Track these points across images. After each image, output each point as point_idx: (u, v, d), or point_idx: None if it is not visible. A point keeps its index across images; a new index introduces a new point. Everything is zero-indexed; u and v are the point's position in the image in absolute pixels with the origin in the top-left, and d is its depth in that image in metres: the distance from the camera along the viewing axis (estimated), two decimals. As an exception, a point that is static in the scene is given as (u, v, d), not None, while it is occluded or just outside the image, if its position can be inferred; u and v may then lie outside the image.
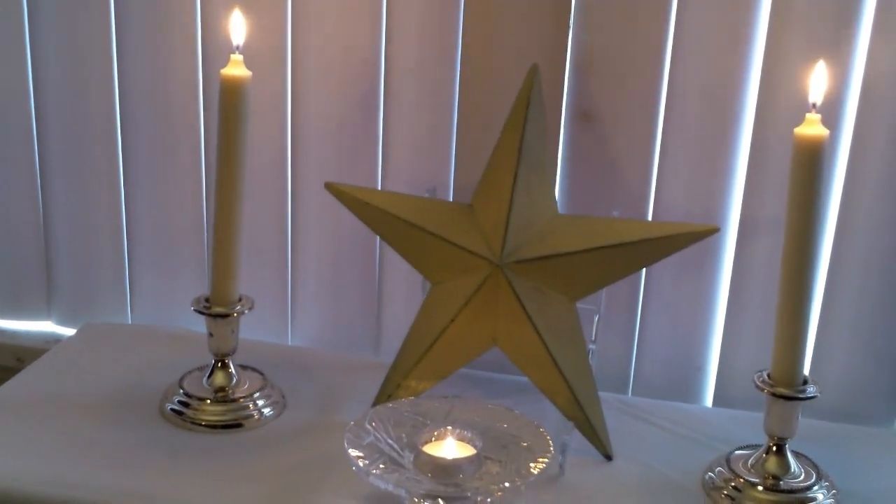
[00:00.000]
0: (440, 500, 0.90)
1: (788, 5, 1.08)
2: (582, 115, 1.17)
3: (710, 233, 1.03)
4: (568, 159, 1.19)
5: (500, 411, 1.02)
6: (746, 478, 0.99)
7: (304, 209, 1.28)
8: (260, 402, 1.11)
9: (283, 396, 1.14)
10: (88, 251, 1.35)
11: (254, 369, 1.16)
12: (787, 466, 1.00)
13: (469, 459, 0.95)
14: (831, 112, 1.08)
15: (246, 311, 1.10)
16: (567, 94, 1.17)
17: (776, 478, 0.99)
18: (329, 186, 1.12)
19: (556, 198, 1.18)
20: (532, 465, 0.94)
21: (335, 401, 1.15)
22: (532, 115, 1.07)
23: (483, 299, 1.05)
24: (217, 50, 1.22)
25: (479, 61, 1.18)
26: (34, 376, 1.18)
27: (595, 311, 1.13)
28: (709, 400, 1.23)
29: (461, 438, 0.98)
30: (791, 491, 0.98)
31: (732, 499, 0.98)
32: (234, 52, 1.05)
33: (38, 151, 1.33)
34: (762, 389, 0.98)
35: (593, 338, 1.12)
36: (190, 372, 1.15)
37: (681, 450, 1.08)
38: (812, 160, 0.93)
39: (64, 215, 1.34)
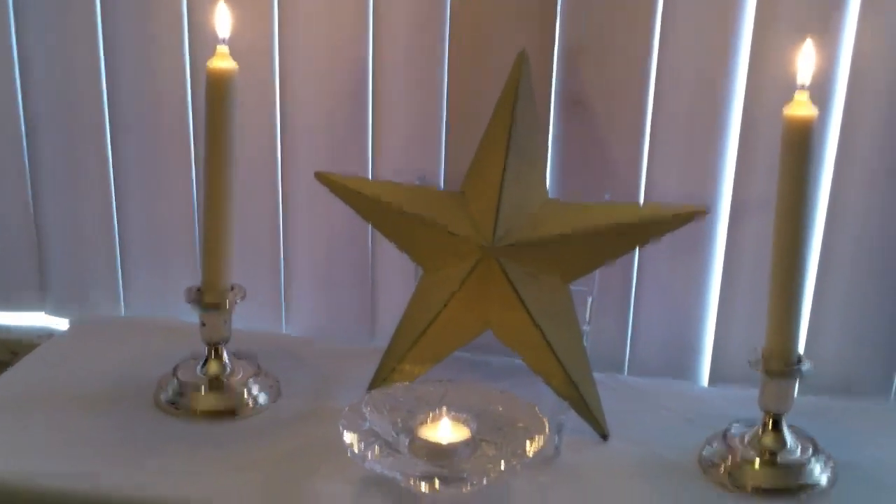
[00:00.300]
0: (436, 483, 0.90)
1: (776, -15, 1.08)
2: (571, 101, 1.17)
3: (699, 214, 1.04)
4: (558, 145, 1.19)
5: (495, 394, 1.02)
6: (743, 454, 1.00)
7: (295, 199, 1.27)
8: (254, 390, 1.11)
9: (278, 384, 1.14)
10: (80, 243, 1.35)
11: (248, 358, 1.16)
12: (783, 441, 1.00)
13: (464, 442, 0.95)
14: (821, 92, 1.08)
15: (238, 301, 1.09)
16: (556, 80, 1.17)
17: (773, 453, 0.99)
18: (319, 176, 1.12)
19: (547, 183, 1.18)
20: (527, 446, 0.94)
21: (330, 387, 1.15)
22: (521, 101, 1.07)
23: (475, 284, 1.05)
24: (204, 42, 1.22)
25: (468, 48, 1.18)
26: (27, 370, 1.18)
27: (588, 293, 1.13)
28: (704, 378, 1.23)
29: (456, 421, 0.98)
30: (788, 465, 0.99)
31: (729, 475, 0.98)
32: (220, 45, 1.05)
33: (27, 144, 1.32)
34: (757, 367, 0.98)
35: (587, 319, 1.12)
36: (184, 361, 1.14)
37: (677, 428, 1.08)
38: (801, 140, 0.93)
39: (55, 208, 1.34)
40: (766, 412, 1.00)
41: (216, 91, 1.05)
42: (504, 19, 1.16)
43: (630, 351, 1.23)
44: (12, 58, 1.29)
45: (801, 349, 0.99)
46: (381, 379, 1.09)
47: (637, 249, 1.18)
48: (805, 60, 0.95)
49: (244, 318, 1.23)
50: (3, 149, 1.33)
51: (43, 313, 1.40)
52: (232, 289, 1.10)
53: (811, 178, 0.94)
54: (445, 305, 1.06)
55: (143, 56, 1.25)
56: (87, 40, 1.26)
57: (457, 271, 1.06)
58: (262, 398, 1.11)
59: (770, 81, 1.10)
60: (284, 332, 1.33)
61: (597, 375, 1.08)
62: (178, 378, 1.11)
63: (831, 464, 1.00)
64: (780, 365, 0.97)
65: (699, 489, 0.98)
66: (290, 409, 1.10)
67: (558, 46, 1.16)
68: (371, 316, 1.30)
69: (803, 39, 0.96)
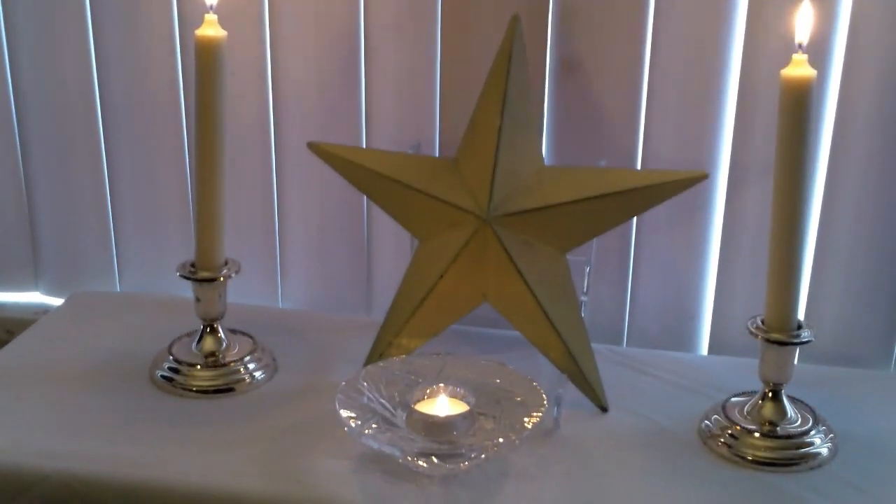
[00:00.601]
0: (434, 458, 0.90)
1: (773, -56, 1.06)
2: (566, 65, 1.16)
3: (699, 179, 1.02)
4: (553, 110, 1.18)
5: (493, 367, 1.02)
6: (743, 425, 0.99)
7: (288, 170, 1.26)
8: (251, 366, 1.10)
9: (274, 359, 1.14)
10: (73, 220, 1.34)
11: (244, 333, 1.16)
12: (783, 412, 0.99)
13: (462, 416, 0.95)
14: (819, 52, 1.07)
15: (232, 275, 1.09)
16: (550, 44, 1.16)
17: (773, 424, 0.99)
18: (312, 146, 1.11)
19: (543, 150, 1.17)
20: (526, 419, 0.94)
21: (327, 362, 1.14)
22: (514, 66, 1.05)
23: (471, 254, 1.04)
24: (194, 12, 1.20)
25: (461, 13, 1.16)
26: (23, 347, 1.18)
27: (586, 263, 1.12)
28: (704, 348, 1.22)
29: (454, 395, 0.98)
30: (788, 436, 0.98)
31: (729, 446, 0.98)
32: (208, 13, 1.03)
33: (17, 121, 1.32)
34: (756, 336, 0.97)
35: (585, 290, 1.11)
36: (179, 338, 1.14)
37: (676, 399, 1.08)
38: (800, 102, 0.92)
39: (47, 185, 1.33)
40: (766, 382, 0.99)
41: (205, 60, 1.03)
42: (497, -18, 1.14)
43: (629, 321, 1.23)
44: (1, 41, 1.28)
45: (801, 317, 0.98)
46: (377, 353, 1.08)
47: (635, 217, 1.17)
48: (803, 20, 0.94)
49: (240, 292, 1.22)
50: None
51: (38, 293, 1.39)
52: (226, 263, 1.10)
53: (810, 140, 0.93)
54: (441, 277, 1.05)
55: (132, 29, 1.24)
56: (74, 12, 1.24)
57: (452, 241, 1.05)
58: (258, 374, 1.10)
59: (768, 42, 1.09)
60: (281, 305, 1.33)
61: (595, 346, 1.07)
62: (173, 355, 1.10)
63: (832, 434, 1.00)
64: (779, 333, 0.97)
65: (699, 461, 0.97)
66: (286, 385, 1.10)
67: (552, 10, 1.14)
68: (367, 287, 1.29)
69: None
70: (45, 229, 1.35)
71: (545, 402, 0.95)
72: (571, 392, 1.05)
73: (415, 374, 1.01)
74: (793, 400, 1.01)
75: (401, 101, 1.21)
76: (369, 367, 1.02)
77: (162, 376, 1.09)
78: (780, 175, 0.94)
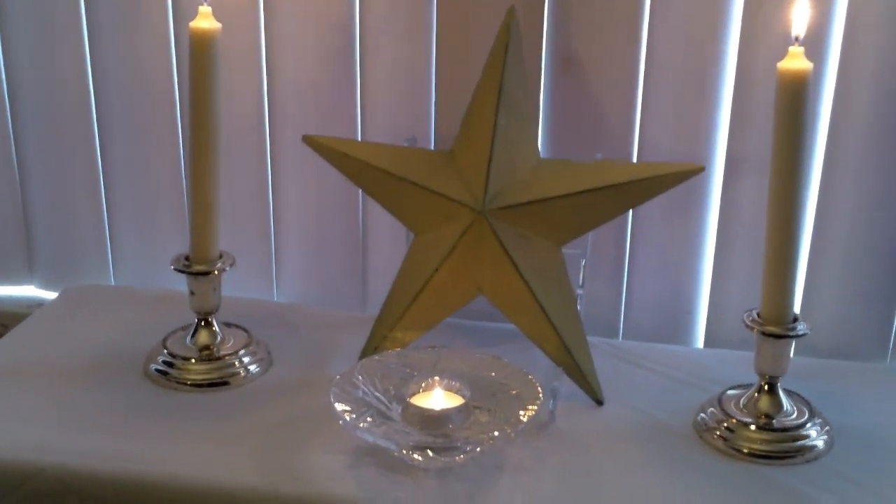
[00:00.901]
0: (429, 452, 0.90)
1: (769, -64, 1.06)
2: (562, 58, 1.16)
3: (695, 172, 1.02)
4: (550, 103, 1.18)
5: (488, 360, 1.01)
6: (739, 418, 0.99)
7: (284, 164, 1.26)
8: (245, 360, 1.10)
9: (269, 353, 1.13)
10: (68, 214, 1.34)
11: (238, 327, 1.15)
12: (779, 405, 0.99)
13: (457, 409, 0.94)
14: (815, 45, 1.06)
15: (227, 269, 1.08)
16: (546, 37, 1.15)
17: (769, 417, 0.99)
18: (307, 139, 1.11)
19: (539, 143, 1.16)
20: (521, 412, 0.93)
21: (321, 356, 1.14)
22: (510, 59, 1.05)
23: (467, 247, 1.04)
24: (188, 4, 1.20)
25: (456, 5, 1.16)
26: (17, 341, 1.17)
27: (582, 256, 1.12)
28: (699, 341, 1.22)
29: (449, 389, 0.98)
30: (784, 429, 0.98)
31: (725, 440, 0.98)
32: (202, 5, 1.03)
33: (10, 115, 1.31)
34: (752, 329, 0.97)
35: (581, 283, 1.11)
36: (173, 332, 1.14)
37: (672, 392, 1.08)
38: (796, 95, 0.92)
39: (41, 178, 1.33)
40: (762, 375, 0.99)
41: (200, 53, 1.03)
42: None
43: (624, 314, 1.23)
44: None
45: (796, 310, 0.98)
46: (372, 347, 1.08)
47: (631, 210, 1.16)
48: (799, 13, 0.94)
49: (236, 286, 1.22)
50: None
51: (32, 286, 1.39)
52: (221, 256, 1.09)
53: (806, 133, 0.93)
54: (437, 270, 1.05)
55: (126, 22, 1.24)
56: (69, 4, 1.24)
57: (448, 234, 1.05)
58: (253, 368, 1.10)
59: (764, 35, 1.08)
60: (276, 298, 1.32)
61: (591, 340, 1.07)
62: (167, 348, 1.10)
63: (827, 427, 1.00)
64: (775, 326, 0.96)
65: (695, 454, 0.97)
66: (281, 379, 1.09)
67: (548, 2, 1.14)
68: (362, 280, 1.29)
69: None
70: (39, 223, 1.35)
71: (540, 396, 0.95)
72: (567, 385, 1.05)
73: (410, 367, 1.00)
74: (788, 393, 1.01)
75: (396, 94, 1.21)
76: (364, 360, 1.02)
77: (156, 370, 1.09)
78: (776, 168, 0.94)
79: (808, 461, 0.96)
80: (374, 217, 1.25)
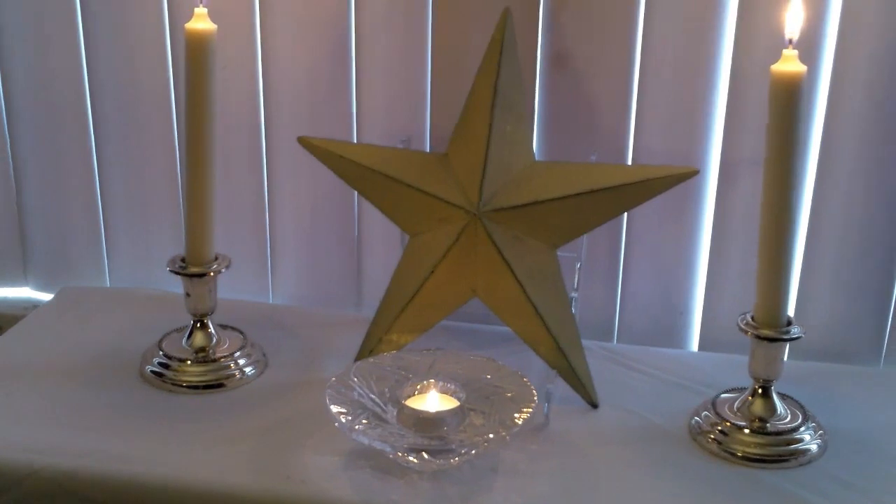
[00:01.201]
0: (424, 454, 0.90)
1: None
2: (557, 60, 1.16)
3: (689, 175, 1.02)
4: (544, 105, 1.18)
5: (483, 362, 1.02)
6: (733, 421, 0.99)
7: (279, 165, 1.26)
8: (241, 362, 1.10)
9: (265, 355, 1.13)
10: (63, 215, 1.34)
11: (234, 328, 1.15)
12: (773, 408, 0.99)
13: (452, 412, 0.95)
14: (809, 47, 1.07)
15: (223, 270, 1.08)
16: (542, 38, 1.15)
17: (763, 420, 0.99)
18: (302, 140, 1.11)
19: (534, 145, 1.17)
20: (516, 415, 0.93)
21: (317, 358, 1.14)
22: (505, 60, 1.05)
23: (462, 250, 1.04)
24: (184, 4, 1.20)
25: (452, 6, 1.16)
26: (12, 342, 1.17)
27: (576, 259, 1.12)
28: (694, 344, 1.22)
29: (444, 391, 0.98)
30: (778, 433, 0.98)
31: (719, 443, 0.98)
32: (198, 6, 1.03)
33: (6, 116, 1.31)
34: (746, 332, 0.97)
35: (575, 286, 1.11)
36: (169, 333, 1.13)
37: (666, 395, 1.08)
38: (790, 97, 0.92)
39: (36, 180, 1.33)
40: (756, 379, 0.99)
41: (195, 54, 1.03)
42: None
43: (619, 317, 1.23)
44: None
45: (790, 313, 0.98)
46: (368, 350, 1.08)
47: (625, 213, 1.17)
48: (793, 16, 0.94)
49: (231, 287, 1.22)
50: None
51: (27, 288, 1.39)
52: (216, 258, 1.09)
53: (800, 136, 0.93)
54: (432, 273, 1.05)
55: (122, 22, 1.24)
56: (64, 4, 1.24)
57: (442, 237, 1.05)
58: (248, 370, 1.10)
59: (758, 38, 1.08)
60: (271, 300, 1.32)
61: (585, 343, 1.07)
62: (163, 350, 1.10)
63: (821, 430, 1.00)
64: (769, 329, 0.97)
65: (689, 457, 0.97)
66: (277, 381, 1.09)
67: (543, 3, 1.14)
68: (357, 282, 1.29)
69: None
70: (34, 224, 1.35)
71: (535, 398, 0.95)
72: (561, 388, 1.05)
73: (405, 369, 1.00)
74: (782, 396, 1.01)
75: (391, 96, 1.21)
76: (360, 362, 1.02)
77: (152, 371, 1.09)
78: (770, 171, 0.94)
79: (801, 465, 0.96)
80: (369, 219, 1.25)
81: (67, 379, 1.08)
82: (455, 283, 1.05)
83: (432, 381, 0.98)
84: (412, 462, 0.90)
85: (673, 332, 1.22)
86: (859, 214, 1.12)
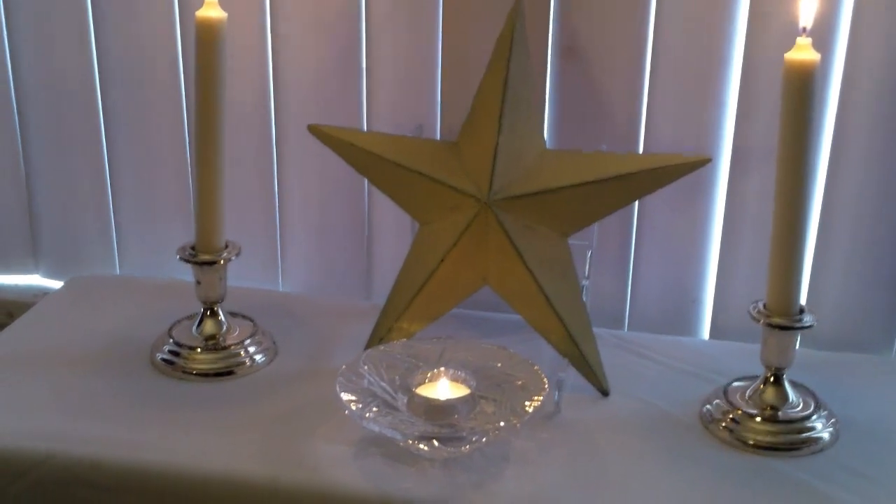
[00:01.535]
0: (435, 442, 0.90)
1: (777, -73, 1.06)
2: (568, 50, 1.15)
3: (701, 163, 1.02)
4: (555, 95, 1.17)
5: (494, 350, 1.01)
6: (744, 409, 0.99)
7: (289, 153, 1.26)
8: (251, 350, 1.10)
9: (275, 343, 1.13)
10: (73, 203, 1.34)
11: (244, 316, 1.15)
12: (785, 397, 0.99)
13: (463, 399, 0.94)
14: (823, 36, 1.06)
15: (233, 258, 1.08)
16: (552, 29, 1.15)
17: (774, 408, 0.98)
18: (312, 129, 1.10)
19: (545, 134, 1.16)
20: (527, 403, 0.93)
21: (327, 346, 1.14)
22: (516, 50, 1.05)
23: (472, 238, 1.04)
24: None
25: (463, -3, 1.16)
26: (22, 330, 1.17)
27: (588, 247, 1.12)
28: (705, 332, 1.22)
29: (455, 379, 0.98)
30: (790, 421, 0.98)
31: (730, 431, 0.98)
32: (209, -6, 1.03)
33: (16, 105, 1.31)
34: (758, 320, 0.97)
35: (586, 274, 1.11)
36: (179, 321, 1.13)
37: (678, 383, 1.08)
38: (803, 86, 0.91)
39: (47, 168, 1.33)
40: (768, 367, 0.99)
41: (205, 42, 1.03)
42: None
43: (630, 305, 1.23)
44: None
45: (803, 302, 0.98)
46: (378, 338, 1.08)
47: (636, 201, 1.16)
48: (807, 4, 0.93)
49: (241, 275, 1.22)
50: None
51: (37, 276, 1.39)
52: (227, 246, 1.09)
53: (813, 124, 0.93)
54: (442, 261, 1.05)
55: (131, 11, 1.24)
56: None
57: (453, 225, 1.05)
58: (258, 357, 1.10)
59: (771, 26, 1.08)
60: (281, 288, 1.32)
61: (597, 331, 1.07)
62: (173, 338, 1.10)
63: (833, 419, 0.99)
64: (781, 318, 0.96)
65: (700, 445, 0.97)
66: (287, 369, 1.09)
67: (555, -7, 1.14)
68: (368, 270, 1.29)
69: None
70: (44, 212, 1.35)
71: (546, 386, 0.95)
72: (572, 376, 1.05)
73: (416, 357, 1.00)
74: (794, 384, 1.01)
75: (402, 84, 1.21)
76: (370, 350, 1.01)
77: (162, 359, 1.09)
78: (782, 159, 0.93)
79: (813, 453, 0.96)
80: (380, 207, 1.25)
81: (78, 367, 1.08)
82: (466, 271, 1.05)
83: (443, 369, 0.98)
84: (423, 450, 0.90)
85: (684, 320, 1.22)
86: (872, 203, 1.12)
